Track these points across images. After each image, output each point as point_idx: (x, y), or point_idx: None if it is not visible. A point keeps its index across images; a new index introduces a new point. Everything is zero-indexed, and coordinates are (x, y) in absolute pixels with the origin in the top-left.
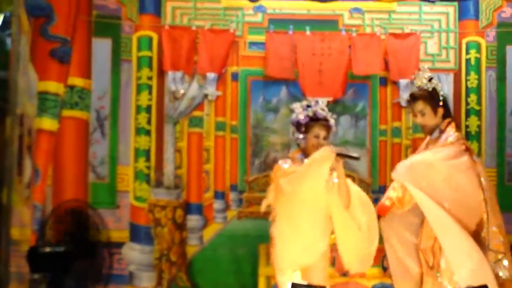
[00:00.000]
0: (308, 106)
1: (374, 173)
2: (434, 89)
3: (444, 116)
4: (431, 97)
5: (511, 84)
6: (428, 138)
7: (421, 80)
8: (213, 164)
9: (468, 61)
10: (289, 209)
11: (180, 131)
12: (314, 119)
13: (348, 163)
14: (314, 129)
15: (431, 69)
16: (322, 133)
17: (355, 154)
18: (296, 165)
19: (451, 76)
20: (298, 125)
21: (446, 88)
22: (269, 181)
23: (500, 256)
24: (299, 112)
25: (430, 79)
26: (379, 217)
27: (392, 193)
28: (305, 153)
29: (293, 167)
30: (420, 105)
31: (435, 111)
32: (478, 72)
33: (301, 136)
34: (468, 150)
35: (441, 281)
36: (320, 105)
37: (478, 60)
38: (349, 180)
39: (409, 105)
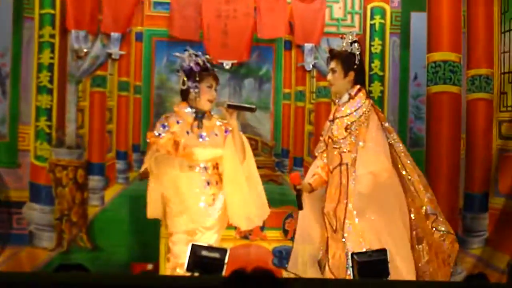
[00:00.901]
0: (196, 55)
1: (277, 136)
2: (352, 53)
3: (355, 82)
4: (346, 59)
5: (415, 50)
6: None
7: (345, 42)
8: (115, 124)
9: (372, 26)
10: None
11: (82, 91)
12: (207, 69)
13: (253, 127)
14: (208, 79)
15: (336, 34)
16: (214, 83)
17: (248, 105)
18: (180, 124)
19: (354, 32)
20: (190, 74)
21: None
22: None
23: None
24: (190, 60)
25: (352, 43)
26: (295, 187)
27: (320, 171)
28: (195, 105)
29: (164, 140)
30: (333, 63)
31: (345, 74)
32: (382, 38)
33: (194, 85)
34: (376, 111)
35: (345, 242)
36: (206, 57)
37: (382, 25)
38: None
39: (326, 62)
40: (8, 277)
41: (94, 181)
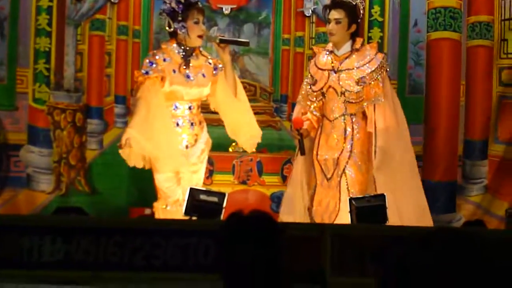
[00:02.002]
0: None
1: (276, 82)
2: (357, 5)
3: (353, 35)
4: (353, 11)
5: None
6: (327, 53)
7: None
8: (114, 68)
9: None
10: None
11: (81, 34)
12: (189, 4)
13: (251, 73)
14: (193, 15)
15: None
16: (201, 17)
17: (241, 39)
18: (167, 62)
19: None
20: (174, 14)
21: None
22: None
23: None
24: (170, 1)
25: None
26: (298, 131)
27: (310, 116)
28: (185, 44)
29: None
30: (339, 13)
31: (349, 26)
32: None
33: (180, 25)
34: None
35: (347, 188)
36: None
37: None
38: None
39: (325, 10)
40: (6, 220)
41: (93, 124)
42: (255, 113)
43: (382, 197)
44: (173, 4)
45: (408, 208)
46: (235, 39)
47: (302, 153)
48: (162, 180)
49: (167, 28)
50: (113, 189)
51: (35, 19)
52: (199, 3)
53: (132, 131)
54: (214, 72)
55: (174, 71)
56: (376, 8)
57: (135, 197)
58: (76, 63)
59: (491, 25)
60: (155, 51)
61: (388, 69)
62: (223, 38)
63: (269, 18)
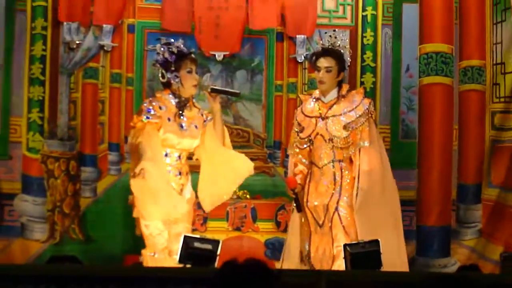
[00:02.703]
0: (168, 43)
1: (269, 128)
2: (345, 53)
3: (340, 81)
4: (342, 59)
5: (407, 41)
6: (312, 99)
7: (338, 41)
8: (107, 116)
9: (364, 17)
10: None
11: (74, 82)
12: (182, 55)
13: (245, 119)
14: (186, 64)
15: (328, 26)
16: (194, 67)
17: (232, 90)
18: (163, 110)
19: (347, 33)
20: (167, 65)
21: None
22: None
23: None
24: (163, 51)
25: (346, 43)
26: (293, 191)
27: (301, 168)
28: (178, 93)
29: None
30: (330, 62)
31: (338, 73)
32: (374, 29)
33: (173, 75)
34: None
35: (336, 233)
36: (180, 42)
37: (374, 17)
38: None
39: (314, 57)
40: (0, 269)
41: (87, 172)
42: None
43: (376, 242)
44: (166, 55)
45: (385, 249)
46: (226, 89)
47: (299, 210)
48: (151, 227)
49: (160, 78)
50: (107, 237)
51: (28, 68)
52: (192, 53)
53: (147, 164)
54: (204, 123)
55: (169, 119)
56: (369, 54)
57: (129, 245)
58: (69, 111)
59: (483, 70)
60: (151, 99)
61: (373, 115)
62: (214, 87)
63: (261, 64)
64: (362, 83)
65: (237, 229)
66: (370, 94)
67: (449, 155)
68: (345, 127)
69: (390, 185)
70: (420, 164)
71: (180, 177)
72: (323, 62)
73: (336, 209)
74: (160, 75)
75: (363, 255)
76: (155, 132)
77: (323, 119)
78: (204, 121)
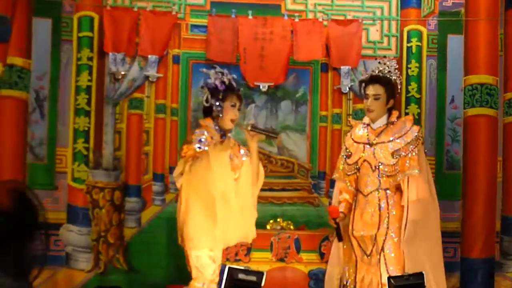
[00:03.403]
0: (222, 73)
1: (314, 159)
2: (395, 80)
3: (390, 108)
4: (391, 86)
5: (451, 73)
6: (363, 126)
7: (388, 68)
8: (152, 146)
9: (409, 49)
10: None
11: (120, 113)
12: (232, 88)
13: (289, 149)
14: (232, 98)
15: (372, 56)
16: (238, 103)
17: (271, 132)
18: (210, 140)
19: (395, 61)
20: (215, 92)
21: None
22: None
23: None
24: (215, 78)
25: (395, 69)
26: (334, 220)
27: (346, 196)
28: (218, 123)
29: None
30: (378, 89)
31: (388, 101)
32: (419, 60)
33: (217, 103)
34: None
35: (386, 265)
36: (232, 75)
37: (419, 48)
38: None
39: (363, 84)
40: None
41: (131, 202)
42: (293, 189)
43: (420, 275)
44: (217, 82)
45: (430, 281)
46: (265, 130)
47: (340, 239)
48: (201, 257)
49: (204, 102)
50: (151, 267)
51: (74, 98)
52: (240, 90)
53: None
54: (242, 158)
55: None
56: (413, 85)
57: (173, 275)
58: (114, 141)
59: None
60: (201, 129)
61: (423, 142)
62: (254, 126)
63: (306, 95)
64: (406, 113)
65: (281, 260)
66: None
67: (494, 187)
68: (392, 154)
69: (437, 215)
70: (464, 196)
71: None
72: (371, 90)
73: (385, 240)
74: (204, 98)
75: (408, 287)
76: (208, 159)
77: (371, 145)
78: (243, 155)
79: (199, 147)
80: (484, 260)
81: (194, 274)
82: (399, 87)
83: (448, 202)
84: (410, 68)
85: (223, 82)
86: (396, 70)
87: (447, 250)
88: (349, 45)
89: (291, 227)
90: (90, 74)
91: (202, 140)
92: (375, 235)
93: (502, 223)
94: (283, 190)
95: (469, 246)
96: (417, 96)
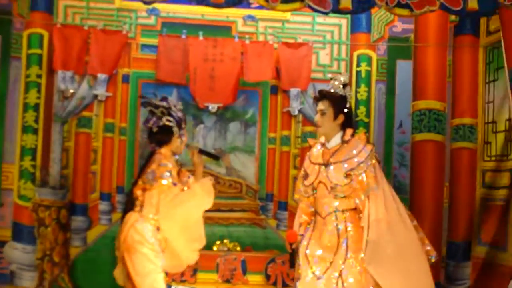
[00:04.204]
0: (175, 105)
1: (262, 180)
2: (343, 96)
3: (344, 126)
4: (337, 101)
5: (400, 98)
6: (319, 146)
7: (335, 83)
8: (100, 165)
9: (358, 73)
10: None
11: (68, 131)
12: (184, 114)
13: (237, 170)
14: (185, 125)
15: (322, 80)
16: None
17: (216, 155)
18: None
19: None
20: (180, 123)
21: None
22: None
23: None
24: (175, 110)
25: (344, 85)
26: (290, 245)
27: (307, 218)
28: (176, 151)
29: (177, 188)
30: (323, 104)
31: (335, 116)
32: (368, 85)
33: (181, 133)
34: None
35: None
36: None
37: (368, 72)
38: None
39: (314, 102)
40: None
41: (77, 221)
42: (241, 210)
43: None
44: (180, 114)
45: None
46: (210, 153)
47: (291, 266)
48: (160, 280)
49: (160, 135)
50: (96, 286)
51: (22, 116)
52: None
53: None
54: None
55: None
56: (362, 109)
57: None
58: (62, 160)
59: (474, 128)
60: (165, 161)
61: (379, 161)
62: (202, 149)
63: (255, 116)
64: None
65: (227, 281)
66: None
67: (440, 212)
68: (346, 174)
69: (409, 233)
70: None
71: None
72: (319, 105)
73: (344, 264)
74: (175, 131)
75: None
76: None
77: (326, 166)
78: (189, 177)
79: (174, 184)
80: None
81: None
82: (348, 101)
83: None
84: (359, 92)
85: (181, 112)
86: (346, 85)
87: None
88: (299, 68)
89: (238, 248)
90: (39, 91)
91: (171, 173)
92: (334, 257)
93: (448, 248)
94: (231, 211)
95: None
96: (366, 120)
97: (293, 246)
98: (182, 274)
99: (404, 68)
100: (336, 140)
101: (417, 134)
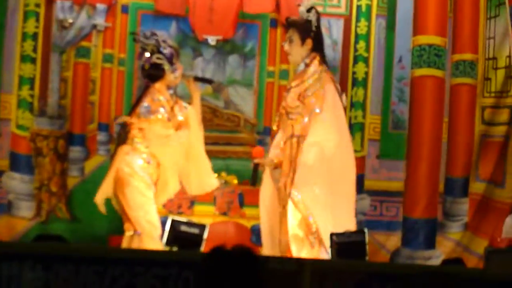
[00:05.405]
0: (164, 40)
1: (260, 114)
2: (308, 20)
3: (313, 50)
4: (302, 26)
5: (400, 32)
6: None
7: (300, 9)
8: (98, 95)
9: (359, 7)
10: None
11: (66, 61)
12: (176, 49)
13: (236, 104)
14: (178, 57)
15: (322, 14)
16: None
17: (209, 79)
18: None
19: (341, 22)
20: (171, 59)
21: (335, 33)
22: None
23: None
24: (164, 46)
25: (309, 10)
26: (254, 160)
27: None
28: (171, 84)
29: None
30: (290, 32)
31: (302, 41)
32: (368, 19)
33: (173, 67)
34: (332, 80)
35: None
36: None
37: (369, 7)
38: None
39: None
40: None
41: (75, 152)
42: (238, 144)
43: (362, 233)
44: (170, 51)
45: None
46: (204, 77)
47: (252, 184)
48: (153, 212)
49: (152, 69)
50: (93, 217)
51: (20, 45)
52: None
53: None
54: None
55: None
56: (362, 44)
57: (116, 225)
58: (60, 90)
59: (475, 64)
60: (158, 95)
61: (337, 87)
62: (196, 77)
63: (254, 50)
64: (354, 72)
65: (224, 214)
66: (362, 83)
67: (438, 148)
68: (298, 97)
69: (348, 165)
70: (409, 156)
71: None
72: (287, 34)
73: (290, 188)
74: (167, 68)
75: (348, 244)
76: None
77: (287, 91)
78: (186, 108)
79: (169, 119)
80: (426, 220)
81: (146, 228)
82: (313, 25)
83: (392, 162)
84: (359, 26)
85: (171, 47)
86: (311, 9)
87: (389, 209)
88: (299, 1)
89: (235, 181)
90: (37, 21)
91: (165, 108)
92: (285, 183)
93: (446, 184)
94: (228, 144)
95: (411, 206)
96: (365, 55)
97: (256, 162)
98: (179, 206)
99: (405, 2)
100: (302, 65)
101: (416, 70)
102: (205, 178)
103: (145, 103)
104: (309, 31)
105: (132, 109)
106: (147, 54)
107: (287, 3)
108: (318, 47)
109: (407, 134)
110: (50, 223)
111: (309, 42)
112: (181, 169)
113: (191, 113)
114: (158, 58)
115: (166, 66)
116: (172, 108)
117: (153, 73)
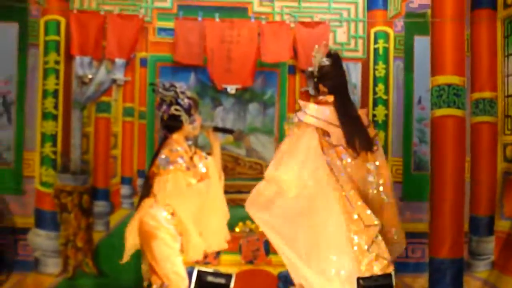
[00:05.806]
0: (182, 92)
1: None
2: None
3: (329, 91)
4: (310, 76)
5: (419, 74)
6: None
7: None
8: (120, 149)
9: (376, 50)
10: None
11: (87, 116)
12: (195, 100)
13: (257, 151)
14: (196, 107)
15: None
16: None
17: (229, 128)
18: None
19: (359, 65)
20: (189, 110)
21: (354, 77)
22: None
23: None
24: (182, 98)
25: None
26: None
27: None
28: (190, 136)
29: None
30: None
31: (316, 89)
32: (386, 62)
33: (192, 119)
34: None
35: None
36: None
37: (386, 49)
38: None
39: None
40: None
41: (99, 206)
42: None
43: (389, 276)
44: (188, 101)
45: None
46: (224, 127)
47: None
48: (179, 263)
49: (171, 121)
50: (120, 271)
51: (41, 102)
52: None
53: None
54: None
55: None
56: (380, 86)
57: (142, 279)
58: (82, 145)
59: (494, 101)
60: (176, 146)
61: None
62: (216, 127)
63: (274, 97)
64: (374, 115)
65: (250, 262)
66: (383, 126)
67: (462, 187)
68: None
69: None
70: (432, 197)
71: None
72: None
73: None
74: (184, 119)
75: None
76: None
77: None
78: (206, 158)
79: (188, 168)
80: (453, 260)
81: (167, 280)
82: (315, 70)
83: (416, 204)
84: (377, 69)
85: (189, 98)
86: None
87: (415, 251)
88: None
89: (260, 229)
90: (57, 77)
91: (184, 158)
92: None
93: (471, 223)
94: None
95: (437, 247)
96: (384, 97)
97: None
98: (205, 256)
99: (421, 43)
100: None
101: (436, 110)
102: (218, 233)
103: (163, 154)
104: (313, 77)
105: (152, 161)
106: (166, 106)
107: (305, 50)
108: (332, 87)
109: (430, 175)
110: (77, 278)
111: (320, 87)
112: (196, 221)
113: (211, 164)
114: (176, 110)
115: (184, 117)
116: (191, 158)
117: (171, 124)
